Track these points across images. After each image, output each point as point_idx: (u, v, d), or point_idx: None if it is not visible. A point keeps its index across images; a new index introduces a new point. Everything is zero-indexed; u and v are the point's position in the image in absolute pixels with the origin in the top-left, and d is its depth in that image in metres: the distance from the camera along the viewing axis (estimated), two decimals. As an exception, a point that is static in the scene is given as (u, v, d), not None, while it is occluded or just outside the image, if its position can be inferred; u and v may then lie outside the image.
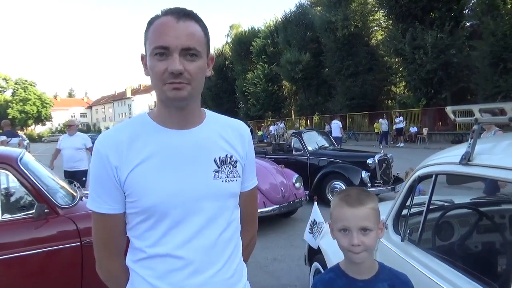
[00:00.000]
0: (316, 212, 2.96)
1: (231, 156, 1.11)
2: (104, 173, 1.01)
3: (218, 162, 1.08)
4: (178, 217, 1.02)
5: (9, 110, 60.25)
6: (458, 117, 1.90)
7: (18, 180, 2.56)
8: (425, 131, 19.74)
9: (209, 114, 1.16)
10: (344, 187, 6.70)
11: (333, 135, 17.89)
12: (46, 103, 66.21)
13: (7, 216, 2.52)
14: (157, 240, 1.02)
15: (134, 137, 1.03)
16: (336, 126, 17.55)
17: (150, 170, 1.00)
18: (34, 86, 66.09)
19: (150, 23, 1.02)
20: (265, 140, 24.28)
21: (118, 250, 1.10)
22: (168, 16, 0.99)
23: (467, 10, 20.44)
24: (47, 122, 69.74)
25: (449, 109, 1.84)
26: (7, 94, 65.85)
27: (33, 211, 2.50)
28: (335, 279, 1.21)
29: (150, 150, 1.02)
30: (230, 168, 1.09)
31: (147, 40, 1.01)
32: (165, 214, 1.01)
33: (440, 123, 21.35)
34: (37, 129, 70.12)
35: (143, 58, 1.05)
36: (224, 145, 1.11)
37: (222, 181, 1.07)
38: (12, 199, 2.73)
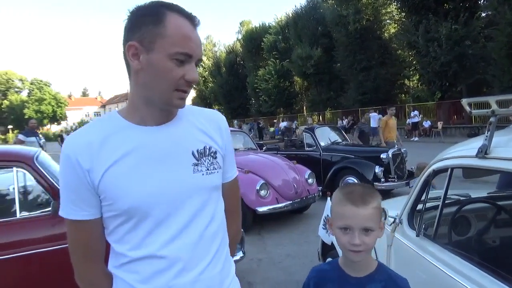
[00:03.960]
0: (329, 207, 2.94)
1: (210, 148, 1.06)
2: (75, 178, 0.95)
3: (197, 155, 1.03)
4: (160, 216, 0.97)
5: (25, 110, 61.41)
6: (474, 109, 1.87)
7: (35, 178, 2.61)
8: (440, 125, 19.43)
9: None
10: (357, 182, 6.64)
11: (372, 126, 18.29)
12: (61, 103, 67.25)
13: (25, 214, 2.58)
14: (139, 242, 0.97)
15: (105, 137, 0.97)
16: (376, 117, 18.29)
17: (125, 170, 0.95)
18: (49, 86, 67.23)
19: (161, 15, 0.93)
20: (277, 136, 24.26)
21: (98, 256, 1.04)
22: (184, 19, 0.96)
23: (482, 0, 19.97)
24: (62, 122, 70.92)
25: (464, 102, 1.80)
26: (23, 95, 67.18)
27: (50, 208, 2.54)
28: (329, 270, 1.22)
29: (124, 149, 0.96)
30: (210, 160, 1.05)
31: (159, 35, 0.92)
32: (146, 214, 0.96)
33: (455, 116, 20.98)
34: (53, 128, 71.41)
35: (132, 47, 0.95)
36: (201, 137, 1.06)
37: (203, 174, 1.03)
38: (29, 197, 2.78)
